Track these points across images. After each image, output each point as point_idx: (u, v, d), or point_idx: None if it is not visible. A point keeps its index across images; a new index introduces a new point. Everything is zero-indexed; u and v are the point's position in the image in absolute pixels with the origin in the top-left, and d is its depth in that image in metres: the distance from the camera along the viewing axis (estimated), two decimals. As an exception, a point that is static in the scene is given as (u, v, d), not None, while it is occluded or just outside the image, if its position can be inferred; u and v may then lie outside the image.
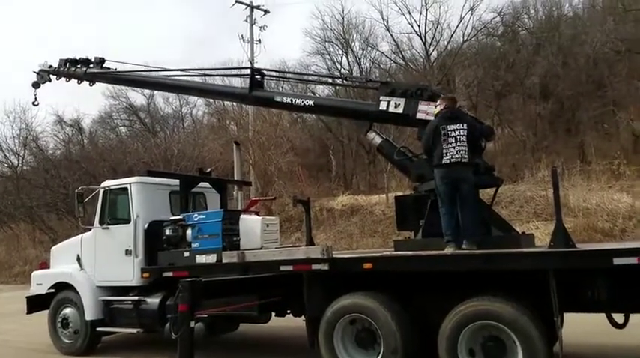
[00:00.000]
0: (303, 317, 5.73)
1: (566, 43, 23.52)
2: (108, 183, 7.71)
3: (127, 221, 7.25)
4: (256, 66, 25.90)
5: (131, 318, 7.01)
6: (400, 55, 29.61)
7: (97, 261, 7.51)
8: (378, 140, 6.55)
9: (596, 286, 4.37)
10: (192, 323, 4.53)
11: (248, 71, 7.64)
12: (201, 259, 6.46)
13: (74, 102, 58.57)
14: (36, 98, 10.20)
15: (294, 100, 7.18)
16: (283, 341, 7.70)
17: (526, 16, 28.75)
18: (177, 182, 7.58)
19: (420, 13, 27.42)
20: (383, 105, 6.26)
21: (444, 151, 5.30)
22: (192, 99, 34.42)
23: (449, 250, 5.13)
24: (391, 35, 28.95)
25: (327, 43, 31.07)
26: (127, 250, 7.14)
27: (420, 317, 5.07)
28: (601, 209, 14.28)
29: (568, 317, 5.31)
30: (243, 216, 7.02)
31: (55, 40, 52.35)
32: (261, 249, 6.71)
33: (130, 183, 7.39)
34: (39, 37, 54.68)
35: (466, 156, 5.31)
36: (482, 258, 4.81)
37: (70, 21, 63.44)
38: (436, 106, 5.71)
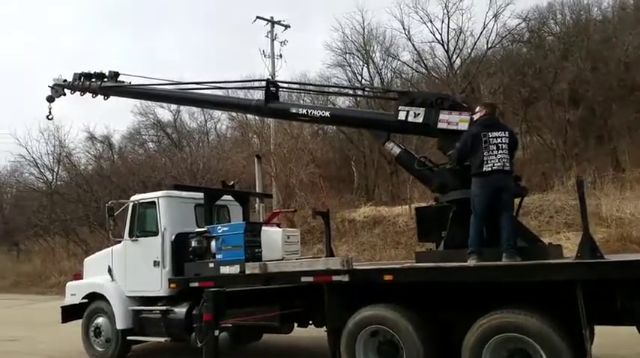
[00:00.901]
0: (324, 328, 5.75)
1: (595, 47, 22.97)
2: (137, 197, 7.94)
3: (155, 233, 7.45)
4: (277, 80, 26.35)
5: (159, 327, 7.18)
6: (422, 64, 29.52)
7: (126, 272, 7.73)
8: (396, 150, 6.49)
9: (625, 298, 4.23)
10: (216, 332, 4.62)
11: (263, 84, 7.56)
12: (225, 270, 6.58)
13: (104, 119, 60.81)
14: (50, 112, 10.25)
15: (310, 112, 7.18)
16: (306, 352, 7.72)
17: (553, 21, 28.29)
18: (202, 195, 7.75)
19: (442, 22, 27.31)
20: (402, 115, 6.23)
21: (485, 159, 5.19)
22: (217, 113, 35.12)
23: (472, 262, 5.06)
24: (412, 44, 28.89)
25: (347, 55, 31.24)
26: (155, 261, 7.33)
27: (442, 329, 5.03)
28: (636, 218, 13.82)
29: (599, 329, 5.18)
30: (264, 228, 7.11)
31: (85, 59, 54.60)
32: (282, 260, 6.79)
33: (157, 197, 7.60)
34: (70, 55, 57.05)
35: (508, 164, 5.24)
36: (504, 269, 4.75)
37: (97, 39, 65.98)
38: (475, 113, 5.65)
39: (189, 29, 65.47)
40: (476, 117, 5.60)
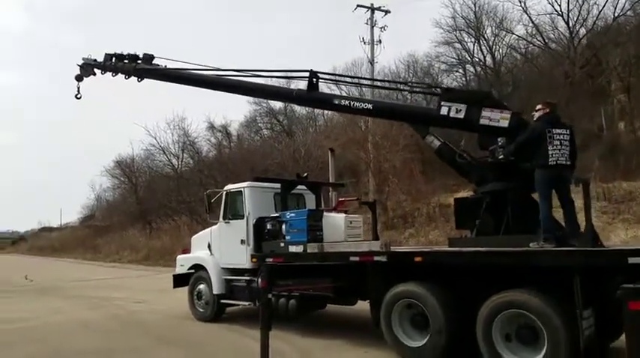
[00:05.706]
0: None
1: None
2: (228, 187, 9.52)
3: (242, 217, 8.92)
4: (377, 66, 26.80)
5: (244, 294, 8.71)
6: (540, 38, 27.52)
7: (221, 247, 9.37)
8: (436, 143, 7.00)
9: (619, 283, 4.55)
10: (269, 296, 5.89)
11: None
12: (292, 249, 7.79)
13: (223, 110, 66.16)
14: (79, 91, 10.15)
15: (352, 103, 7.63)
16: (357, 320, 8.60)
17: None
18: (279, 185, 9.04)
19: (563, -9, 25.26)
20: (444, 111, 6.68)
21: (550, 153, 5.72)
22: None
23: (548, 246, 5.46)
24: (529, 17, 27.10)
25: (457, 32, 30.35)
26: (242, 240, 8.81)
27: (462, 304, 5.68)
28: None
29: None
30: (329, 214, 8.18)
31: (189, 52, 58.92)
32: (344, 242, 7.81)
33: (243, 187, 9.07)
34: (170, 50, 62.68)
35: (570, 159, 5.78)
36: (510, 255, 5.35)
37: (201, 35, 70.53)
38: (536, 111, 6.10)
39: (288, 20, 67.85)
40: (537, 115, 6.05)
